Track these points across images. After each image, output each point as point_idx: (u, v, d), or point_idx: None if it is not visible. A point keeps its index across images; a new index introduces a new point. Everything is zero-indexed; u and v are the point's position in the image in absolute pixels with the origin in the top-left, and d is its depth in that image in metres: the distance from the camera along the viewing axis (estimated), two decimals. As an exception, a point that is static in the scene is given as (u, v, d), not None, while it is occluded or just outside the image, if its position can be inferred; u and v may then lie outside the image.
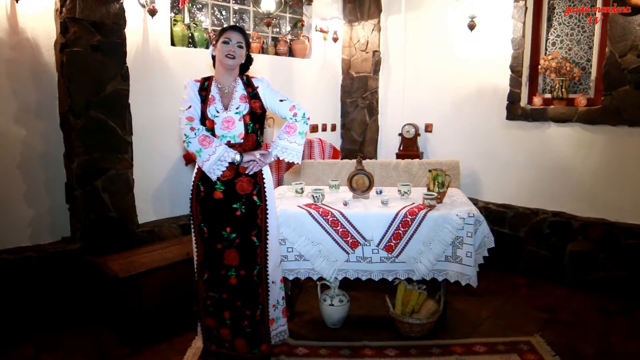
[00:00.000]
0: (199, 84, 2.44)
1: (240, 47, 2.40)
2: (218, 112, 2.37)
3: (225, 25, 2.42)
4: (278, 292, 2.61)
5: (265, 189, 2.46)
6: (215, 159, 2.29)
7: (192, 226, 2.49)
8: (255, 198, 2.42)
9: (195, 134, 2.31)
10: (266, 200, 2.46)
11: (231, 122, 2.37)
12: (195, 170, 2.45)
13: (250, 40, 4.38)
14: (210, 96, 2.40)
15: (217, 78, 2.45)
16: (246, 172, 2.39)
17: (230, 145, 2.37)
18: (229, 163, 2.32)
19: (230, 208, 2.40)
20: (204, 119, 2.37)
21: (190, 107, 2.37)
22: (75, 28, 3.06)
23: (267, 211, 2.46)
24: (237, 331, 2.47)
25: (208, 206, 2.41)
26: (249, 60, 2.53)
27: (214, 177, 2.34)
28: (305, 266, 2.88)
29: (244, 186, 2.40)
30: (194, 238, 2.50)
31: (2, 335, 2.84)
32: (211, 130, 2.37)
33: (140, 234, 3.50)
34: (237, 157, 2.33)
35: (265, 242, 2.47)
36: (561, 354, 2.67)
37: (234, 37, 2.38)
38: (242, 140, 2.40)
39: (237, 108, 2.39)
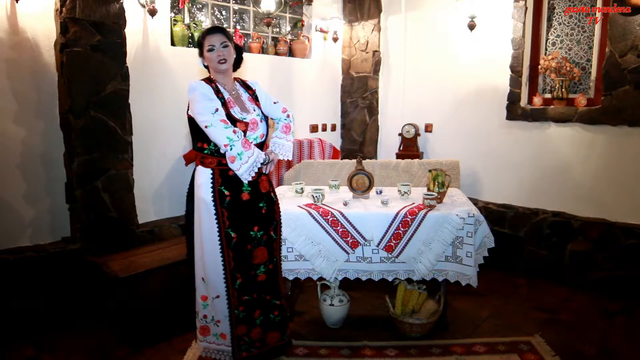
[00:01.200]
0: (209, 86, 2.37)
1: (226, 46, 2.37)
2: (241, 114, 2.39)
3: (202, 31, 2.38)
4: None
5: (274, 186, 2.62)
6: (253, 161, 2.31)
7: (217, 234, 2.36)
8: (272, 195, 2.53)
9: (238, 136, 2.26)
10: (277, 196, 2.60)
11: (256, 123, 2.41)
12: (211, 176, 2.36)
13: (250, 40, 4.39)
14: (227, 99, 2.39)
15: (219, 82, 2.43)
16: (264, 171, 2.47)
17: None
18: (260, 164, 2.37)
19: (257, 207, 2.45)
20: (232, 121, 2.32)
21: (217, 109, 2.29)
22: (75, 28, 3.06)
23: (280, 205, 2.62)
24: (267, 326, 2.54)
25: (236, 209, 2.38)
26: (239, 53, 2.50)
27: (247, 179, 2.34)
28: (305, 266, 2.88)
29: (265, 185, 2.48)
30: (217, 247, 2.38)
31: (2, 335, 2.84)
32: (244, 133, 2.37)
33: (140, 234, 3.50)
34: (266, 158, 2.42)
35: (280, 235, 2.60)
36: (561, 354, 2.67)
37: (216, 39, 2.35)
38: (262, 140, 2.48)
39: (254, 110, 2.45)
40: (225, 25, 4.25)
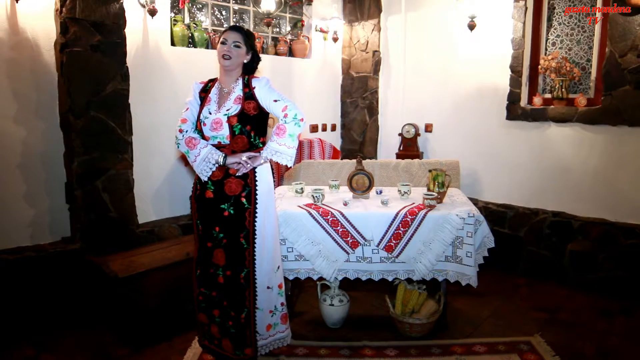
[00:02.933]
0: (202, 85, 2.49)
1: (237, 46, 2.37)
2: (210, 113, 2.38)
3: (225, 26, 2.41)
4: (276, 298, 2.55)
5: (257, 192, 2.40)
6: (201, 160, 2.35)
7: (193, 221, 2.56)
8: (243, 200, 2.38)
9: (182, 135, 2.40)
10: (256, 203, 2.40)
11: (219, 123, 2.36)
12: None
13: (252, 40, 4.37)
14: (208, 97, 2.43)
15: (220, 79, 2.47)
16: (238, 173, 2.37)
17: (220, 146, 2.39)
18: (214, 164, 2.36)
19: (219, 208, 2.41)
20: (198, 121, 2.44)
21: (187, 109, 2.44)
22: (75, 28, 3.06)
23: (256, 214, 2.40)
24: (224, 330, 2.48)
25: (201, 204, 2.46)
26: (254, 60, 2.48)
27: (204, 177, 2.39)
28: (305, 266, 2.88)
29: (232, 187, 2.38)
30: (195, 233, 2.55)
31: (2, 335, 2.84)
32: (201, 132, 2.41)
33: (140, 234, 3.50)
34: (220, 159, 2.34)
35: (253, 245, 2.40)
36: (561, 354, 2.67)
37: (231, 36, 2.38)
38: (229, 142, 2.38)
39: (227, 109, 2.36)
40: (225, 26, 4.25)
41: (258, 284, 2.45)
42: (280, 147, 2.36)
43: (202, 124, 2.39)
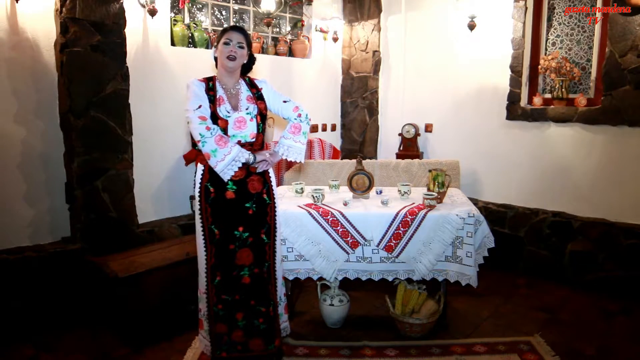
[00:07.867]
0: (204, 84, 2.43)
1: (241, 47, 2.41)
2: (229, 112, 2.39)
3: (225, 26, 2.42)
4: (281, 289, 2.66)
5: (273, 188, 2.53)
6: (230, 159, 2.30)
7: (201, 228, 2.43)
8: (265, 196, 2.48)
9: (211, 133, 2.29)
10: (274, 198, 2.53)
11: (243, 122, 2.39)
12: (201, 172, 2.41)
13: (251, 40, 4.38)
14: (218, 96, 2.41)
15: (220, 79, 2.47)
16: (256, 171, 2.44)
17: (240, 145, 2.40)
18: (242, 163, 2.34)
19: (243, 207, 2.43)
20: (215, 118, 2.36)
21: (200, 106, 2.34)
22: (75, 28, 3.06)
23: (276, 209, 2.54)
24: (251, 331, 2.50)
25: (219, 207, 2.40)
26: (251, 61, 2.54)
27: (227, 177, 2.33)
28: (305, 266, 2.88)
29: (255, 185, 2.44)
30: (202, 241, 2.44)
31: (2, 335, 2.84)
32: (224, 130, 2.37)
33: (140, 234, 3.50)
34: (251, 157, 2.36)
35: (274, 239, 2.53)
36: (561, 354, 2.68)
37: (235, 37, 2.39)
38: (253, 140, 2.45)
39: (247, 109, 2.43)
40: (225, 25, 4.25)
41: (277, 276, 2.57)
42: (295, 144, 2.52)
43: (224, 122, 2.36)
